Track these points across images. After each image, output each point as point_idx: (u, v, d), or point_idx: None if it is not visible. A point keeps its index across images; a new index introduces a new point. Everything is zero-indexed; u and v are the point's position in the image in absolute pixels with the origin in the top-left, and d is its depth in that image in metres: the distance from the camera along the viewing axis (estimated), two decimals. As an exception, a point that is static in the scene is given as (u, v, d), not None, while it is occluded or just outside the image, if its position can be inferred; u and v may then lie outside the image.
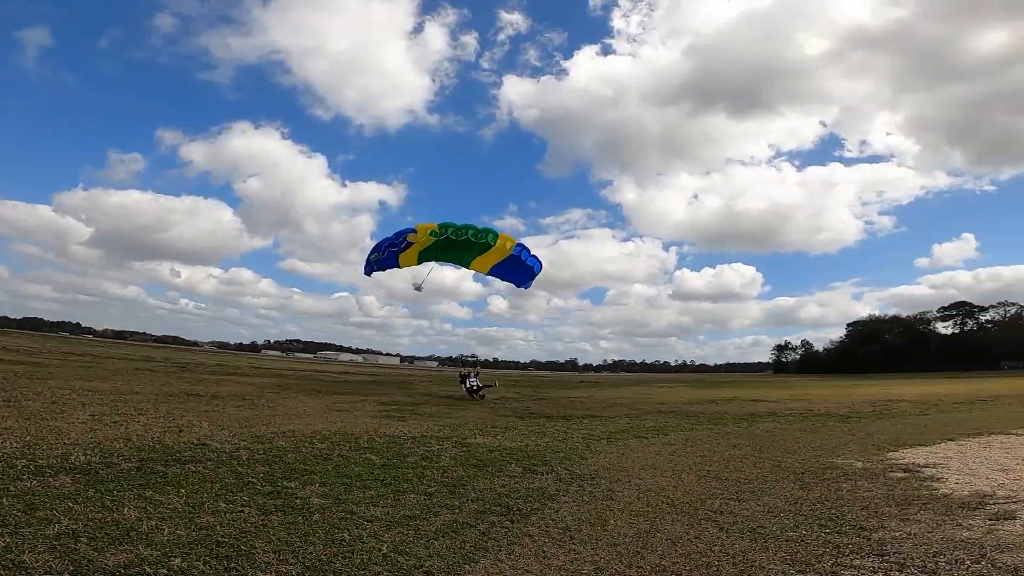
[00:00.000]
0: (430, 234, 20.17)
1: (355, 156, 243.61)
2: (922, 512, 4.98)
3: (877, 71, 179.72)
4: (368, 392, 24.06)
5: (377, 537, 4.46)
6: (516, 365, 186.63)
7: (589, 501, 5.93)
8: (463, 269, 24.46)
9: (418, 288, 22.42)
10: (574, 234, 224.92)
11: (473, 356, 25.98)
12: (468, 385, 21.88)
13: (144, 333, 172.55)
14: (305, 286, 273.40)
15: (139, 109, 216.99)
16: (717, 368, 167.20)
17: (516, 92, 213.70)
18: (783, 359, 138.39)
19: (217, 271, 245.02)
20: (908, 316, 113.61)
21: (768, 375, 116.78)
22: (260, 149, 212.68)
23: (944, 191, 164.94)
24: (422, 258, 22.14)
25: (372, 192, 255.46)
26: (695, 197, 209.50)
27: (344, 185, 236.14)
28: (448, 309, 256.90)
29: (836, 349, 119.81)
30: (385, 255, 21.23)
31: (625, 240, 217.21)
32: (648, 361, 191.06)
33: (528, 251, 21.73)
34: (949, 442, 9.57)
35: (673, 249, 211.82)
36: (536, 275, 23.10)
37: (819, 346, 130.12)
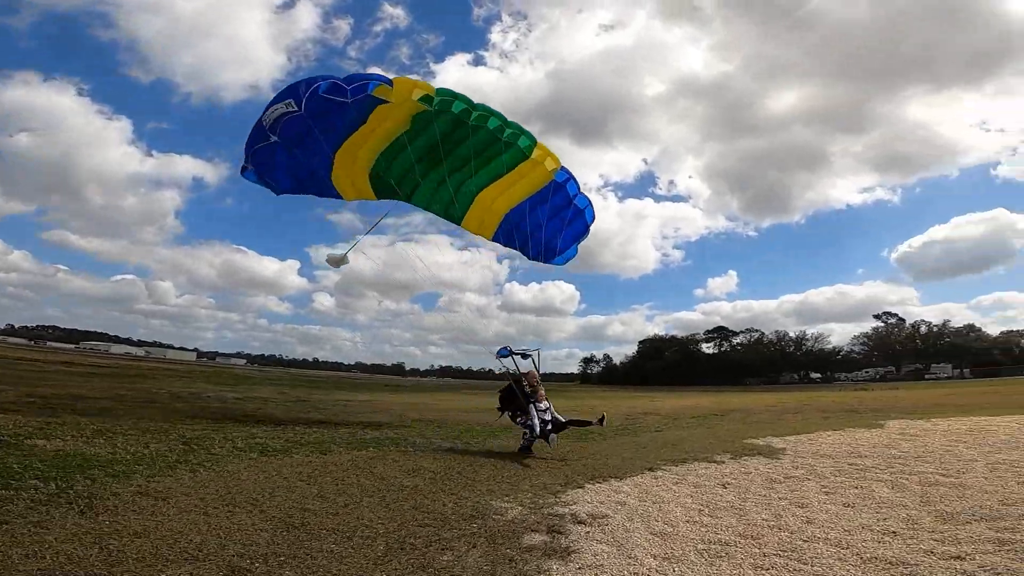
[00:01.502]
0: (420, 99, 9.55)
1: (172, 126, 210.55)
2: None
3: (694, 118, 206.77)
4: (41, 384, 18.11)
5: None
6: (339, 367, 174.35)
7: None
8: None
9: (339, 262, 11.59)
10: (412, 237, 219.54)
11: (525, 352, 10.75)
12: (532, 417, 9.90)
13: None
14: (76, 263, 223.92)
15: None
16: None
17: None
18: (588, 371, 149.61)
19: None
20: (683, 337, 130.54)
21: (575, 385, 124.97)
22: (43, 103, 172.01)
23: (721, 232, 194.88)
24: (383, 175, 10.69)
25: (187, 167, 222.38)
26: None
27: (150, 155, 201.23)
28: (266, 303, 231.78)
29: (629, 364, 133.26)
30: (290, 125, 9.54)
31: (462, 249, 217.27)
32: (475, 368, 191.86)
33: (577, 182, 11.76)
34: (648, 472, 8.22)
35: (506, 262, 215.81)
36: (587, 234, 12.96)
37: (617, 360, 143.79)
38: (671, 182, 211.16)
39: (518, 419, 10.34)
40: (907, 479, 6.53)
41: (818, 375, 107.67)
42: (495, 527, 5.27)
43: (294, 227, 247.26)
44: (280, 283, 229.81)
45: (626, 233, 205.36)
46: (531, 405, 10.06)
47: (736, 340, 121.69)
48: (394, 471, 8.09)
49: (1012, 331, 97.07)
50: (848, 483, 6.60)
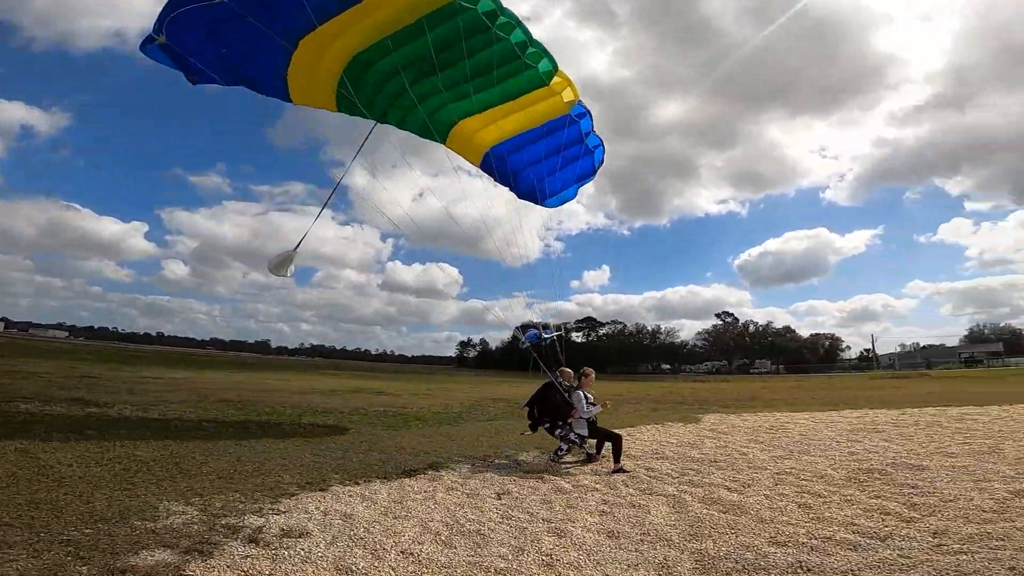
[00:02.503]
0: None
1: (3, 70, 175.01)
2: None
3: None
4: None
5: None
6: (191, 342, 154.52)
7: None
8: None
9: (282, 266, 8.56)
10: (290, 208, 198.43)
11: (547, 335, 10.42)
12: (582, 402, 8.02)
13: None
14: None
15: None
16: (414, 359, 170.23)
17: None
18: (465, 355, 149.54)
19: None
20: (556, 325, 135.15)
21: (452, 368, 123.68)
22: None
23: (599, 229, 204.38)
24: (359, 77, 7.96)
25: (13, 113, 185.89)
26: (420, 195, 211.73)
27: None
28: (100, 267, 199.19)
29: (504, 349, 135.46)
30: None
31: (344, 224, 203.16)
32: (349, 348, 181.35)
33: (591, 118, 10.51)
34: (428, 472, 6.78)
35: (390, 240, 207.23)
36: (592, 176, 11.83)
37: (494, 345, 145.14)
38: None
39: (558, 430, 8.07)
40: (691, 493, 5.71)
41: (668, 366, 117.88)
42: (115, 536, 3.76)
43: (144, 186, 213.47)
44: (121, 247, 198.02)
45: (513, 222, 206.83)
46: (578, 392, 8.17)
47: (602, 331, 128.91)
48: (78, 460, 6.16)
49: (819, 334, 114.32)
50: (630, 498, 5.62)
